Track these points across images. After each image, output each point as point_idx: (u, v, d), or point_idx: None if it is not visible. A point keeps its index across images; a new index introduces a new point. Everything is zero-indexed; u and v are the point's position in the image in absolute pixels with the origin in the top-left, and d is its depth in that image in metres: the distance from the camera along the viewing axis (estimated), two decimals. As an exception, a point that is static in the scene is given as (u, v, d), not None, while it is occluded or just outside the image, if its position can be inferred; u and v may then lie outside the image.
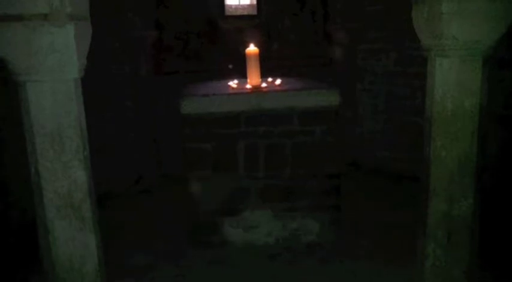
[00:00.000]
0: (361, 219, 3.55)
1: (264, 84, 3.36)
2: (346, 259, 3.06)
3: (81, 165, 2.18)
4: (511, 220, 3.13)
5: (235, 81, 3.50)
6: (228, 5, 5.49)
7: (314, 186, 3.20)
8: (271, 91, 3.23)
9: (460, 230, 2.43)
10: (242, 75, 3.44)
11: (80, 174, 2.19)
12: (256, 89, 3.28)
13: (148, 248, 3.27)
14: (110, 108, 4.39)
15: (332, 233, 3.26)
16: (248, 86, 3.31)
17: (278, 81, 3.49)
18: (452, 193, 2.38)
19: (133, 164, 4.56)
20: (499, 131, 3.32)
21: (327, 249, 3.19)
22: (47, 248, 2.27)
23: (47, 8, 1.97)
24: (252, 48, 3.26)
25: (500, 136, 3.33)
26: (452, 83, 2.23)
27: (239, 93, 3.20)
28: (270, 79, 3.56)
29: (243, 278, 2.90)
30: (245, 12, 5.58)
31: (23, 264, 3.13)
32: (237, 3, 5.61)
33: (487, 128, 2.39)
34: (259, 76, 3.35)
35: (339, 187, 3.23)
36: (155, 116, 4.73)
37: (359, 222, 3.50)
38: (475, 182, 2.38)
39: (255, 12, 5.47)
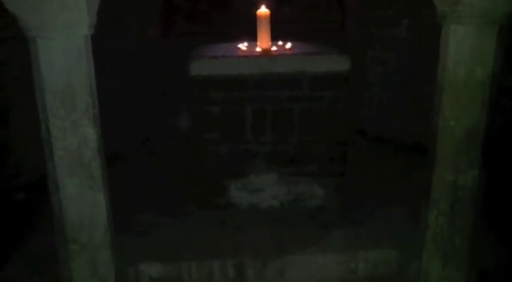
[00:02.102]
0: (366, 186, 3.57)
1: (274, 48, 3.32)
2: (350, 224, 3.10)
3: (90, 123, 2.20)
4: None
5: (245, 43, 3.46)
6: (239, -35, 5.37)
7: (320, 152, 3.21)
8: (281, 55, 3.19)
9: (464, 200, 2.46)
10: (252, 38, 3.39)
11: (89, 132, 2.21)
12: (266, 52, 3.24)
13: (155, 208, 3.33)
14: (118, 68, 4.37)
15: (336, 199, 3.30)
16: (258, 49, 3.28)
17: (288, 45, 3.44)
18: (458, 163, 2.40)
19: (140, 125, 4.58)
20: (506, 102, 3.29)
21: (331, 214, 3.23)
22: (57, 205, 2.33)
23: (57, -37, 1.94)
24: (262, 10, 3.21)
25: (506, 107, 3.31)
26: (466, 51, 2.20)
27: (248, 56, 3.17)
28: (280, 42, 3.51)
29: (247, 240, 2.96)
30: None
31: (32, 220, 3.21)
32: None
33: (497, 98, 2.37)
34: (270, 39, 3.30)
35: (345, 154, 3.24)
36: (164, 77, 4.71)
37: (364, 189, 3.53)
38: (482, 154, 2.39)
39: (266, -26, 5.35)
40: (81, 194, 2.30)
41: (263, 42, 3.27)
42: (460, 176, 2.41)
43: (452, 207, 2.47)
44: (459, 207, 2.47)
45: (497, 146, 2.99)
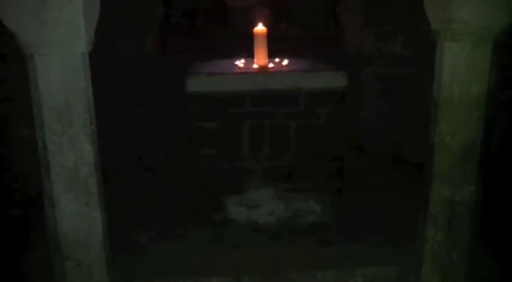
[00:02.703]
0: (364, 202, 3.57)
1: (271, 65, 3.34)
2: (347, 240, 3.09)
3: (88, 139, 2.20)
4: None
5: (242, 60, 3.49)
6: (236, -17, 5.44)
7: (318, 168, 3.21)
8: (278, 71, 3.21)
9: (462, 216, 2.46)
10: (249, 54, 3.42)
11: (86, 149, 2.21)
12: (263, 69, 3.26)
13: (152, 224, 3.31)
14: (116, 84, 4.39)
15: (334, 215, 3.29)
16: (255, 66, 3.30)
17: (285, 62, 3.47)
18: (455, 179, 2.40)
19: (137, 141, 4.58)
20: (502, 118, 3.31)
21: (328, 230, 3.22)
22: (52, 221, 2.31)
23: (56, -19, 1.96)
24: (259, 28, 3.24)
25: (505, 123, 3.32)
26: (460, 67, 2.23)
27: (245, 73, 3.19)
28: (277, 59, 3.54)
29: (244, 257, 2.94)
30: (254, -9, 5.52)
31: (27, 236, 3.18)
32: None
33: (493, 114, 2.39)
34: (267, 56, 3.33)
35: (343, 169, 3.25)
36: (161, 93, 4.73)
37: (361, 205, 3.52)
38: (479, 169, 2.39)
39: (263, -8, 5.42)
40: (77, 211, 2.29)
41: (260, 59, 3.30)
42: (456, 191, 2.42)
43: (450, 223, 2.47)
44: (457, 223, 2.46)
45: (495, 162, 3.01)
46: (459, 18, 2.12)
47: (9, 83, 3.47)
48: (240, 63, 3.43)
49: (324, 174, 3.22)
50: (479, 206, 2.49)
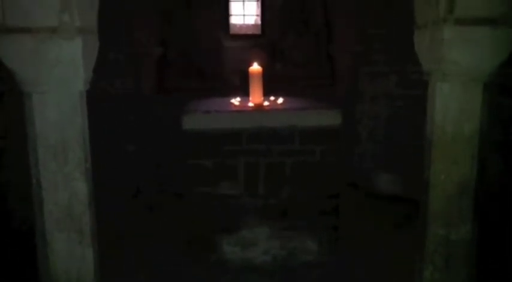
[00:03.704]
0: (360, 240, 3.54)
1: (266, 103, 3.39)
2: (344, 279, 3.04)
3: (82, 177, 2.20)
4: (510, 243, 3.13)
5: (238, 99, 3.53)
6: (233, 24, 5.58)
7: (313, 206, 3.20)
8: (273, 110, 3.25)
9: (459, 255, 2.43)
10: (245, 93, 3.47)
11: (81, 186, 2.20)
12: (259, 107, 3.30)
13: (146, 263, 3.25)
14: (112, 121, 4.41)
15: (330, 253, 3.25)
16: (250, 104, 3.34)
17: (280, 100, 3.52)
18: (450, 217, 2.39)
19: (132, 178, 4.56)
20: (497, 157, 3.33)
21: (324, 269, 3.17)
22: (44, 259, 2.27)
23: (56, 22, 2.01)
24: (255, 67, 3.30)
25: (498, 162, 3.34)
26: (452, 107, 2.26)
27: (241, 111, 3.22)
28: (272, 98, 3.59)
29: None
30: (249, 32, 5.66)
31: (21, 272, 3.11)
32: (241, 22, 5.69)
33: (486, 153, 2.41)
34: (262, 95, 3.37)
35: (338, 207, 3.23)
36: (157, 131, 4.75)
37: (357, 243, 3.49)
38: (474, 207, 2.39)
39: (259, 32, 5.56)
40: (69, 249, 2.25)
41: (255, 98, 3.34)
42: (452, 230, 2.40)
43: (447, 262, 2.44)
44: (454, 262, 2.44)
45: (491, 201, 3.01)
46: (449, 60, 2.17)
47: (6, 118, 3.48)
48: (236, 101, 3.47)
49: (319, 212, 3.21)
50: (476, 245, 2.47)
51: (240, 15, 5.64)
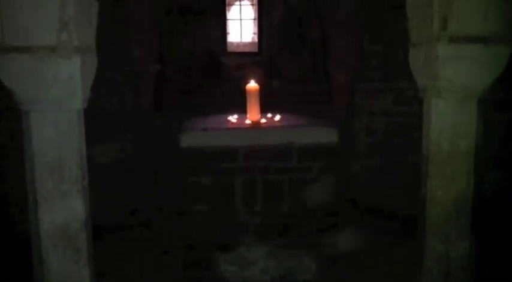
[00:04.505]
0: (359, 257, 3.51)
1: (263, 120, 3.40)
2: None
3: (79, 195, 2.19)
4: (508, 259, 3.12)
5: (235, 116, 3.54)
6: (230, 42, 5.64)
7: (311, 223, 3.18)
8: (270, 127, 3.26)
9: (457, 271, 2.42)
10: (242, 110, 3.48)
11: (77, 205, 2.20)
12: (256, 124, 3.31)
13: (143, 282, 3.23)
14: (110, 139, 4.42)
15: (329, 272, 3.22)
16: (248, 122, 3.35)
17: (277, 117, 3.53)
18: (448, 233, 2.39)
19: (130, 195, 4.55)
20: (494, 173, 3.34)
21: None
22: (40, 278, 2.25)
23: (54, 41, 2.03)
24: (252, 85, 3.32)
25: (495, 178, 3.35)
26: (447, 123, 2.27)
27: (238, 129, 3.23)
28: (269, 115, 3.60)
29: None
30: (247, 49, 5.72)
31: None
32: (239, 40, 5.75)
33: (483, 169, 2.41)
34: (259, 112, 3.39)
35: (337, 224, 3.22)
36: (154, 148, 4.75)
37: (356, 260, 3.46)
38: (472, 223, 2.39)
39: (256, 50, 5.61)
40: (65, 268, 2.23)
41: (252, 115, 3.35)
42: (451, 246, 2.39)
43: (446, 279, 2.42)
44: (453, 279, 2.42)
45: (488, 216, 3.00)
46: (444, 77, 2.19)
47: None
48: (233, 118, 3.49)
49: (318, 230, 3.19)
50: (475, 260, 2.46)
51: (238, 34, 5.71)
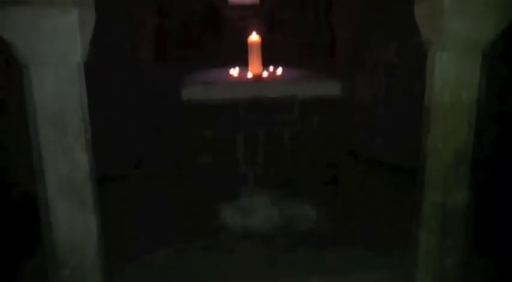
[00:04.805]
0: (358, 208, 3.59)
1: (265, 73, 3.38)
2: (342, 246, 3.10)
3: (82, 147, 2.21)
4: (505, 214, 3.18)
5: (237, 69, 3.52)
6: (231, -7, 5.50)
7: (312, 175, 3.24)
8: (272, 80, 3.25)
9: (454, 221, 2.47)
10: (244, 63, 3.46)
11: (81, 157, 2.22)
12: (257, 77, 3.30)
13: (147, 231, 3.31)
14: (112, 92, 4.41)
15: (329, 221, 3.30)
16: (249, 75, 3.33)
17: (279, 71, 3.51)
18: (447, 185, 2.42)
19: (134, 148, 4.60)
20: (494, 127, 3.35)
21: (323, 236, 3.23)
22: (47, 229, 2.31)
23: (52, -7, 1.99)
24: (254, 37, 3.28)
25: (494, 132, 3.36)
26: (450, 76, 2.26)
27: (240, 82, 3.22)
28: (271, 68, 3.58)
29: (239, 263, 2.95)
30: (248, 1, 5.58)
31: (24, 244, 3.18)
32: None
33: (484, 122, 2.42)
34: (261, 65, 3.36)
35: (337, 176, 3.27)
36: (157, 101, 4.75)
37: (356, 211, 3.54)
38: (471, 175, 2.42)
39: (257, 2, 5.48)
40: (71, 218, 2.29)
41: (254, 68, 3.33)
42: (449, 197, 2.44)
43: (442, 229, 2.48)
44: (449, 229, 2.48)
45: (486, 169, 3.04)
46: (449, 29, 2.16)
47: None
48: (235, 72, 3.47)
49: (318, 181, 3.25)
50: (473, 211, 2.51)
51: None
